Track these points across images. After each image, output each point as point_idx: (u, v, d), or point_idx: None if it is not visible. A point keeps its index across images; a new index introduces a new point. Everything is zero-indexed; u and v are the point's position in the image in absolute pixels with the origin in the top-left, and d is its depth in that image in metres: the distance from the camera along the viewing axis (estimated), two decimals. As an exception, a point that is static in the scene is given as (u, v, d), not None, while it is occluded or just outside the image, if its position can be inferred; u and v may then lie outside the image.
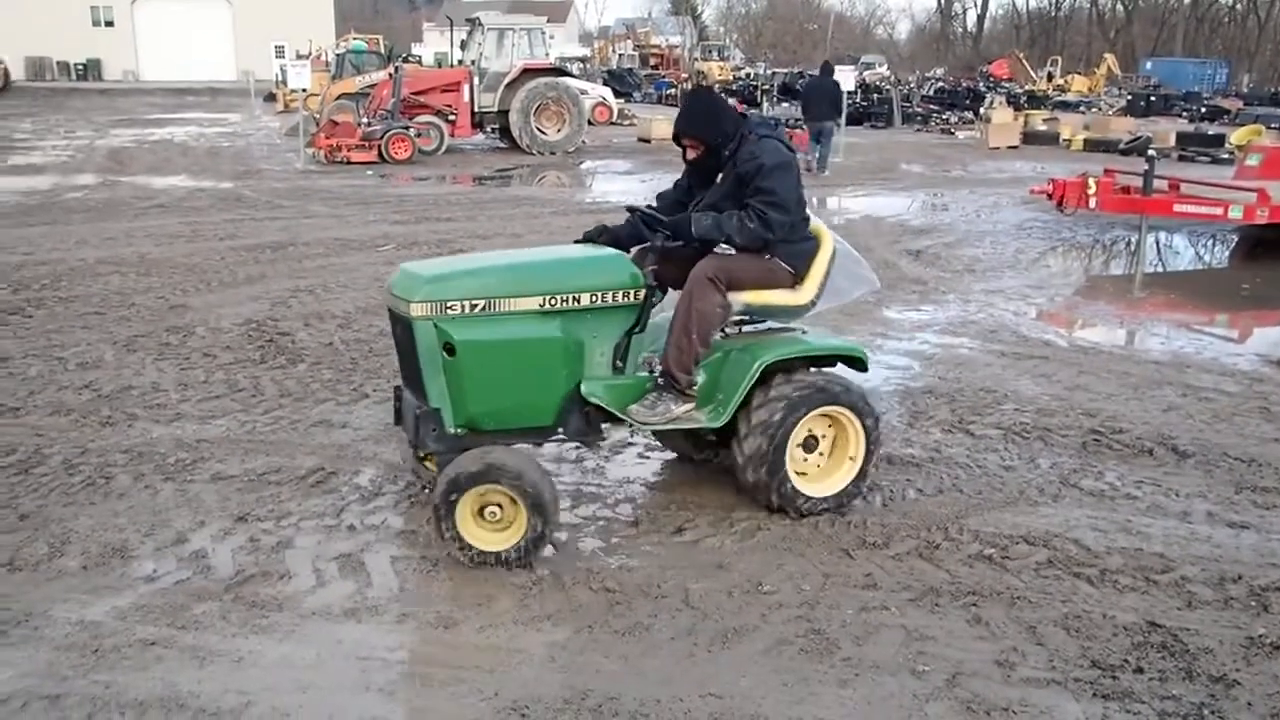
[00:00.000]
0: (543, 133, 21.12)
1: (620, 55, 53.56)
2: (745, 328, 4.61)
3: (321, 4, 53.96)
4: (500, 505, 3.96)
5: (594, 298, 4.20)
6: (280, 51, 44.38)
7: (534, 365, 4.14)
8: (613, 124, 29.20)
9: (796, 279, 4.47)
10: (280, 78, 34.46)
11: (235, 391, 6.08)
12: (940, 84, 42.63)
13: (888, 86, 35.89)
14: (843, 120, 20.10)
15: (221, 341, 7.09)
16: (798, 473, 4.44)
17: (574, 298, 4.17)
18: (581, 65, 39.67)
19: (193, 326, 7.46)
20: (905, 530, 4.39)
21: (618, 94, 34.82)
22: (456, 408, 4.11)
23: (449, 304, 4.03)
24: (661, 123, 26.63)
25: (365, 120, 19.63)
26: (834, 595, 3.86)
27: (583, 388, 4.24)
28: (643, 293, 4.29)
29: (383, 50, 38.93)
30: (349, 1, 60.16)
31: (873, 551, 4.21)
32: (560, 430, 4.36)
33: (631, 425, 4.32)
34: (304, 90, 20.72)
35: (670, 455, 5.18)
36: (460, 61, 23.18)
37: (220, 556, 4.08)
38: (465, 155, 21.02)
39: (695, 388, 4.36)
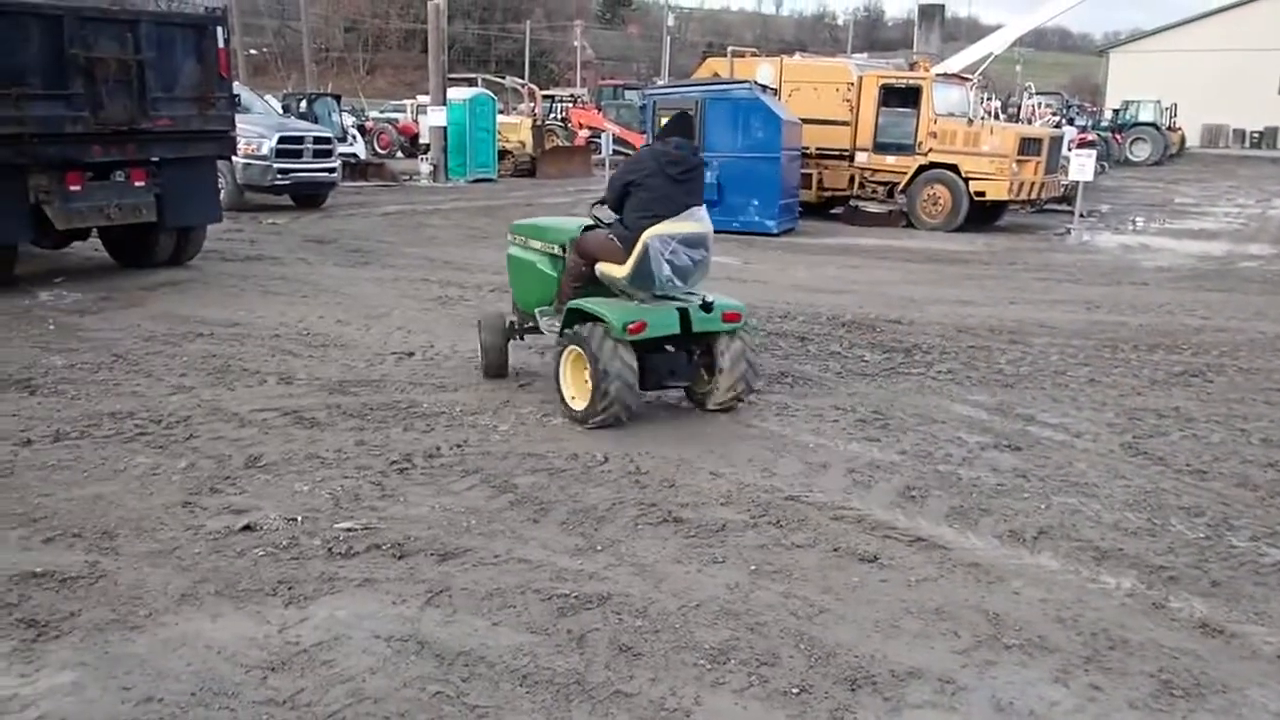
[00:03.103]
0: None
1: None
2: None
3: None
4: None
5: (559, 248, 6.78)
6: None
7: (532, 278, 7.05)
8: None
9: (627, 256, 6.06)
10: None
11: None
12: None
13: None
14: None
15: None
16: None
17: (557, 245, 6.83)
18: None
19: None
20: None
21: None
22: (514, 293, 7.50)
23: (516, 237, 7.31)
24: None
25: None
26: None
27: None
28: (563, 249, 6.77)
29: None
30: None
31: None
32: None
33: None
34: None
35: None
36: None
37: None
38: None
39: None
